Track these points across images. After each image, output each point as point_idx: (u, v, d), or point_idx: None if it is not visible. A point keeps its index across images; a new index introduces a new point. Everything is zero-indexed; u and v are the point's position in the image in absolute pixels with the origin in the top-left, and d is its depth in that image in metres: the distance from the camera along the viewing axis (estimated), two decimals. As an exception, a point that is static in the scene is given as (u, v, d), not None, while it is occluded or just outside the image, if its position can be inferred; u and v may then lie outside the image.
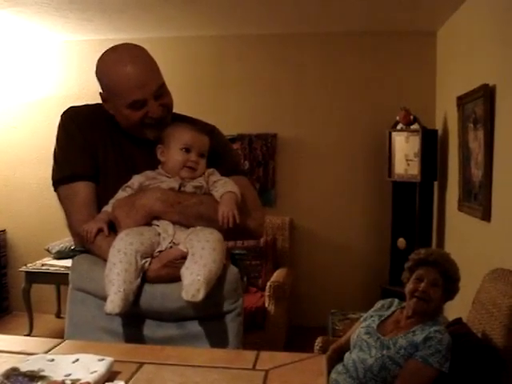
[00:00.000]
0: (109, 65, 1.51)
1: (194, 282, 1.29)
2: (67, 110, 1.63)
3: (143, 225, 1.45)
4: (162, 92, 1.53)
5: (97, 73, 1.55)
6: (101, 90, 1.56)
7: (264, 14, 4.05)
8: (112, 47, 1.55)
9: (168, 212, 1.45)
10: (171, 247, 1.43)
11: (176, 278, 1.35)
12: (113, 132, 1.58)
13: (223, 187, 1.51)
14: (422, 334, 2.15)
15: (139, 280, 1.36)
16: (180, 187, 1.50)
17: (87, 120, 1.59)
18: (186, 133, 1.54)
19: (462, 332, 2.30)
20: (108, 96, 1.54)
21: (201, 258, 1.34)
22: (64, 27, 4.35)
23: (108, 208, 1.50)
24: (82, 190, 1.52)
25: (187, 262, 1.36)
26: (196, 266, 1.33)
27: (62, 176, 1.54)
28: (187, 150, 1.53)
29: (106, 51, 1.55)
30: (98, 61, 1.55)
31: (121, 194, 1.51)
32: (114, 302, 1.27)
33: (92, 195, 1.53)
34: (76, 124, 1.57)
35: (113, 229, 1.47)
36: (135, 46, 1.57)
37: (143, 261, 1.37)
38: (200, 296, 1.26)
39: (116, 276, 1.31)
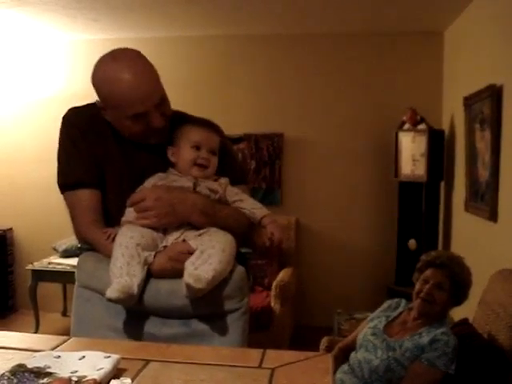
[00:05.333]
0: (108, 75, 1.44)
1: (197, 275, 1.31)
2: (68, 112, 1.59)
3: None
4: (162, 101, 1.49)
5: (94, 81, 1.48)
6: (97, 99, 1.51)
7: (270, 14, 4.04)
8: (110, 55, 1.47)
9: (203, 223, 1.46)
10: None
11: (181, 273, 1.35)
12: (117, 135, 1.55)
13: (258, 206, 1.57)
14: (428, 336, 2.14)
15: (144, 273, 1.36)
16: (195, 187, 1.50)
17: (89, 124, 1.55)
18: (196, 131, 1.53)
19: (467, 332, 2.29)
20: (106, 106, 1.50)
21: (209, 256, 1.35)
22: (71, 26, 4.37)
23: (126, 218, 1.49)
24: (86, 197, 1.52)
25: (193, 257, 1.36)
26: (202, 264, 1.34)
27: (65, 182, 1.55)
28: (197, 148, 1.52)
29: (103, 59, 1.48)
30: (96, 69, 1.48)
31: None
32: (113, 287, 1.28)
33: (96, 201, 1.53)
34: (78, 129, 1.54)
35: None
36: (135, 53, 1.49)
37: (146, 253, 1.38)
38: (202, 285, 1.28)
39: (118, 269, 1.33)
